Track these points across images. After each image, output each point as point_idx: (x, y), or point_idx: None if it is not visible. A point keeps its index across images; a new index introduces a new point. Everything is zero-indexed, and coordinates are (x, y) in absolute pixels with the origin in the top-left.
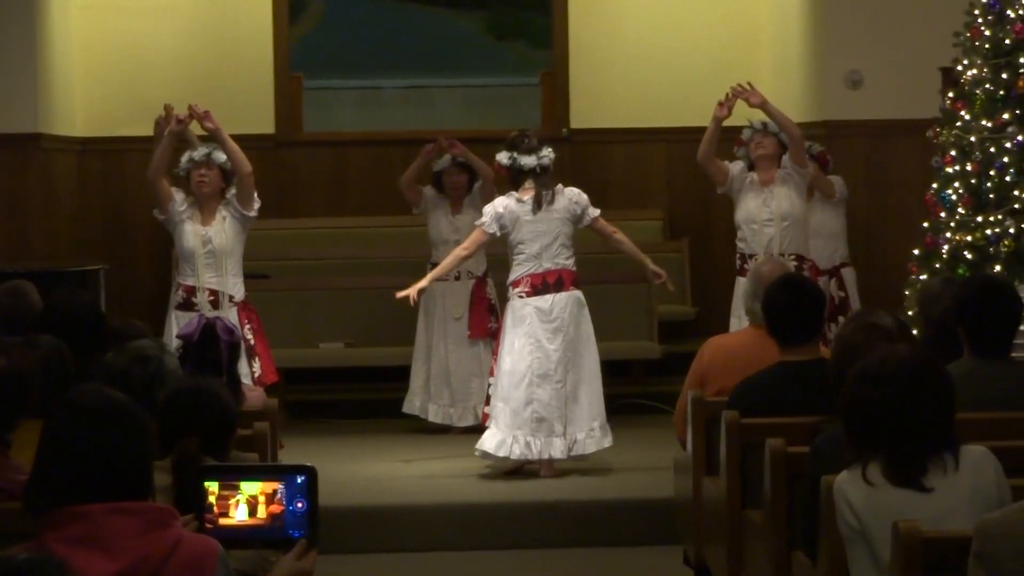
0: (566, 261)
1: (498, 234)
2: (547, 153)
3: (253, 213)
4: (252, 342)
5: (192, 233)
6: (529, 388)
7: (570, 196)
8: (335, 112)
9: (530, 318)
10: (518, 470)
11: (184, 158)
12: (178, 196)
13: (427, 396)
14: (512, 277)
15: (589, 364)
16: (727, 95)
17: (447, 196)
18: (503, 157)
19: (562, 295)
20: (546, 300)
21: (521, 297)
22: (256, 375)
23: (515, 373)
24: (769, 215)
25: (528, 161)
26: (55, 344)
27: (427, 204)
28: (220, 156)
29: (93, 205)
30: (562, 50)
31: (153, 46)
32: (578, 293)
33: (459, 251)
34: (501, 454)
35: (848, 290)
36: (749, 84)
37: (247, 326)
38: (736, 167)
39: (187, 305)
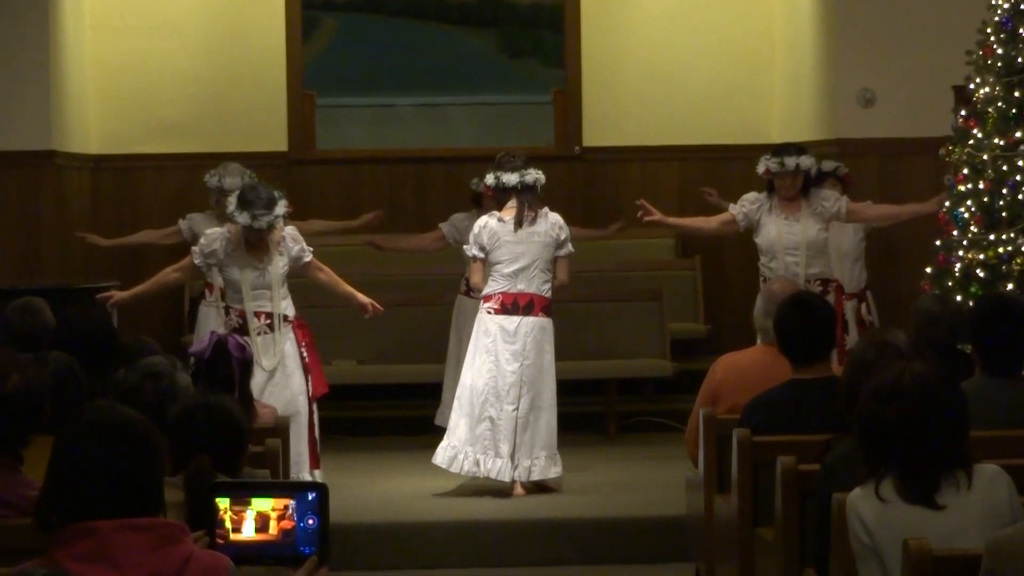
0: (541, 286)
1: (480, 255)
2: (532, 172)
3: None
4: (307, 358)
5: (240, 270)
6: (484, 406)
7: (553, 221)
8: (348, 130)
9: (494, 336)
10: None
11: (240, 219)
12: (213, 232)
13: None
14: (485, 291)
15: (546, 392)
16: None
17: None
18: (489, 178)
19: (529, 320)
20: (512, 321)
21: (489, 313)
22: (310, 393)
23: (474, 389)
24: (794, 244)
25: (510, 179)
26: (65, 360)
27: (459, 232)
28: (279, 218)
29: (106, 222)
30: (574, 68)
31: (166, 64)
32: (546, 321)
33: (472, 281)
34: (453, 469)
35: (875, 313)
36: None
37: (303, 343)
38: (746, 202)
39: (243, 331)
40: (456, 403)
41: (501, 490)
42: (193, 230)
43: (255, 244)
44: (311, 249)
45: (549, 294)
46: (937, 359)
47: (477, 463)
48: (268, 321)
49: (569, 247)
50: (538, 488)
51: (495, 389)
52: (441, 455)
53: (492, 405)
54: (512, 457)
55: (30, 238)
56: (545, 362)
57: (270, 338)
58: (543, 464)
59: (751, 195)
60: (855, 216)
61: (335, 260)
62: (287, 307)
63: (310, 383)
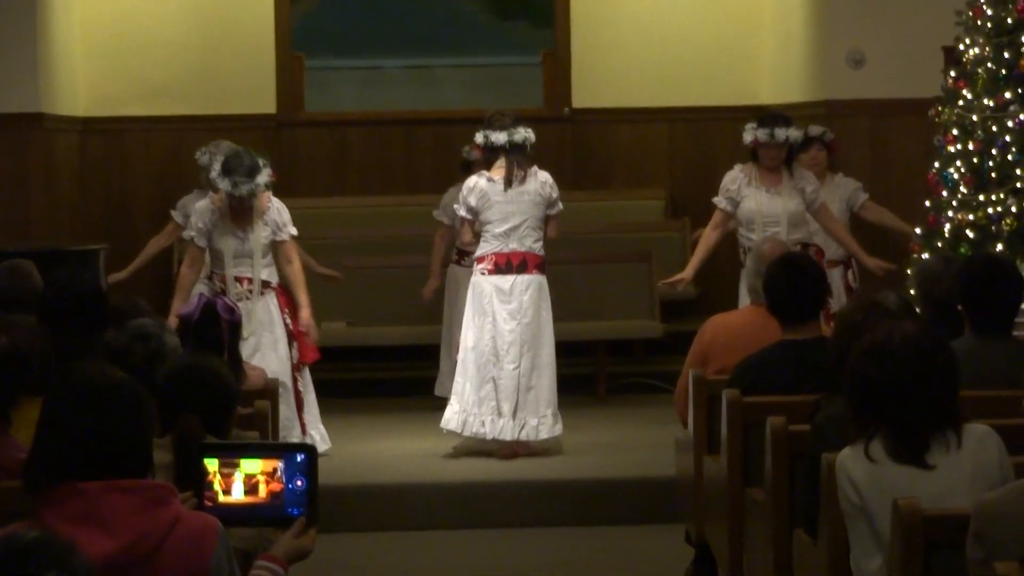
0: (533, 244)
1: (468, 217)
2: (521, 131)
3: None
4: (291, 326)
5: (223, 237)
6: (486, 367)
7: (543, 180)
8: (337, 92)
9: (489, 297)
10: (514, 454)
11: (222, 185)
12: (199, 205)
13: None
14: (478, 253)
15: (545, 350)
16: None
17: None
18: (478, 136)
19: (524, 277)
20: (507, 280)
21: (483, 274)
22: (296, 359)
23: (476, 351)
24: (775, 216)
25: (499, 137)
26: (30, 325)
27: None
28: (260, 186)
29: (94, 185)
30: (564, 29)
31: (154, 25)
32: (541, 278)
33: (462, 243)
34: (466, 433)
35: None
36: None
37: (286, 310)
38: (727, 188)
39: (224, 294)
40: (460, 367)
41: (491, 452)
42: (187, 214)
43: (238, 212)
44: (294, 232)
45: (542, 251)
46: (929, 318)
47: (483, 424)
48: (249, 287)
49: (560, 206)
50: (531, 452)
51: (495, 349)
52: (454, 420)
53: (494, 366)
54: (514, 416)
55: (18, 201)
56: (542, 320)
57: (250, 304)
58: (550, 422)
59: (727, 177)
60: (819, 217)
61: (327, 223)
62: (269, 275)
63: (295, 350)
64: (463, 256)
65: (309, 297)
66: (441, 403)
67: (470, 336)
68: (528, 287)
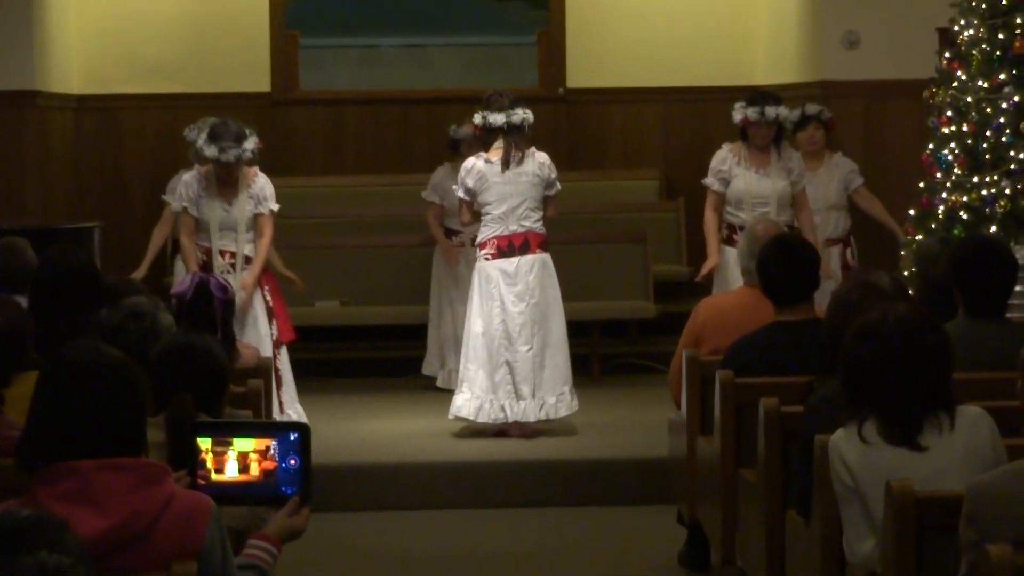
0: (533, 224)
1: (466, 198)
2: (519, 112)
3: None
4: (271, 303)
5: (209, 208)
6: (499, 352)
7: (541, 160)
8: (332, 71)
9: (495, 281)
10: (503, 432)
11: (208, 152)
12: (186, 176)
13: (440, 361)
14: (479, 239)
15: (556, 328)
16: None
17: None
18: (476, 117)
19: (527, 258)
20: (511, 263)
21: (487, 259)
22: (275, 336)
23: (485, 336)
24: (763, 196)
25: (497, 119)
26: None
27: (443, 189)
28: (247, 152)
29: (89, 162)
30: (559, 9)
31: (149, 3)
32: (545, 256)
33: (461, 223)
34: (481, 420)
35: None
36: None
37: (266, 287)
38: (717, 168)
39: (205, 268)
40: (471, 353)
41: (483, 431)
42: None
43: (224, 181)
44: (275, 207)
45: (543, 230)
46: (926, 299)
47: (503, 409)
48: (232, 261)
49: (558, 186)
50: (537, 432)
51: (506, 333)
52: (466, 407)
53: (507, 349)
54: (534, 396)
55: (12, 178)
56: (550, 298)
57: (232, 278)
58: (568, 399)
59: (716, 157)
60: (796, 201)
61: (321, 202)
62: (251, 250)
63: (275, 327)
64: (451, 235)
65: (267, 274)
66: (430, 382)
67: (478, 322)
68: (532, 267)
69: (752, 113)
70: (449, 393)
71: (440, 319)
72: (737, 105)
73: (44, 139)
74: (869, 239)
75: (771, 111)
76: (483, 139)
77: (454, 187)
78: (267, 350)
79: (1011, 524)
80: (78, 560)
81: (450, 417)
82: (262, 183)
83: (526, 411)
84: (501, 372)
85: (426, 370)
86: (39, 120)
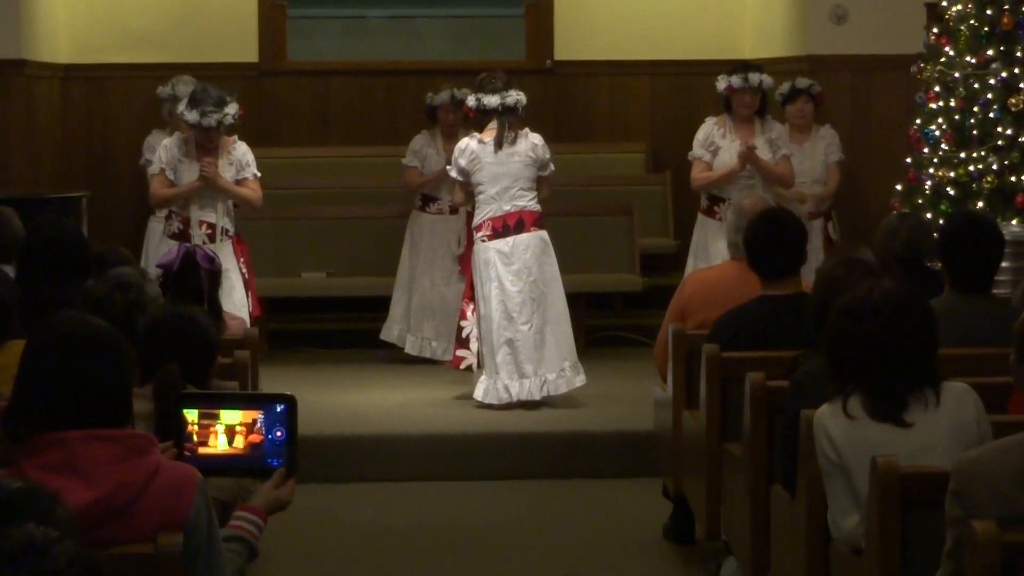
0: (527, 203)
1: (459, 179)
2: (513, 93)
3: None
4: (247, 276)
5: (188, 173)
6: (499, 332)
7: (534, 141)
8: (319, 41)
9: (493, 262)
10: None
11: (189, 117)
12: (166, 140)
13: (406, 326)
14: (475, 221)
15: (556, 304)
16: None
17: (439, 132)
18: (470, 99)
19: (523, 236)
20: (507, 243)
21: (483, 241)
22: (250, 309)
23: (488, 318)
24: (749, 168)
25: (491, 100)
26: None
27: (423, 155)
28: (228, 116)
29: (76, 132)
30: None
31: None
32: (541, 233)
33: (454, 202)
34: (488, 400)
35: (838, 232)
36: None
37: (242, 259)
38: (701, 140)
39: (183, 236)
40: (485, 338)
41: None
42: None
43: (204, 147)
44: (257, 173)
45: (538, 208)
46: (905, 276)
47: (507, 389)
48: (210, 231)
49: (552, 167)
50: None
51: (505, 312)
52: (490, 394)
53: (506, 328)
54: (536, 374)
55: None
56: (547, 275)
57: (210, 249)
58: (569, 375)
59: (701, 131)
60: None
61: (307, 172)
62: (228, 222)
63: (250, 298)
64: (429, 202)
65: (242, 246)
66: (394, 349)
67: (481, 305)
68: (528, 245)
69: (736, 80)
70: (432, 362)
71: (412, 286)
72: (720, 76)
73: (31, 108)
74: (855, 212)
75: (754, 77)
76: (477, 120)
77: (448, 168)
78: (246, 320)
79: (997, 501)
80: (67, 532)
81: (475, 405)
82: (243, 149)
83: (530, 390)
84: (503, 352)
85: (384, 335)
86: (26, 89)
